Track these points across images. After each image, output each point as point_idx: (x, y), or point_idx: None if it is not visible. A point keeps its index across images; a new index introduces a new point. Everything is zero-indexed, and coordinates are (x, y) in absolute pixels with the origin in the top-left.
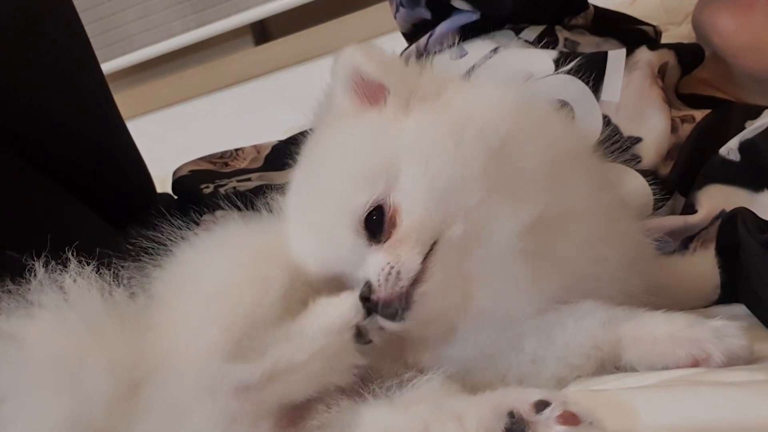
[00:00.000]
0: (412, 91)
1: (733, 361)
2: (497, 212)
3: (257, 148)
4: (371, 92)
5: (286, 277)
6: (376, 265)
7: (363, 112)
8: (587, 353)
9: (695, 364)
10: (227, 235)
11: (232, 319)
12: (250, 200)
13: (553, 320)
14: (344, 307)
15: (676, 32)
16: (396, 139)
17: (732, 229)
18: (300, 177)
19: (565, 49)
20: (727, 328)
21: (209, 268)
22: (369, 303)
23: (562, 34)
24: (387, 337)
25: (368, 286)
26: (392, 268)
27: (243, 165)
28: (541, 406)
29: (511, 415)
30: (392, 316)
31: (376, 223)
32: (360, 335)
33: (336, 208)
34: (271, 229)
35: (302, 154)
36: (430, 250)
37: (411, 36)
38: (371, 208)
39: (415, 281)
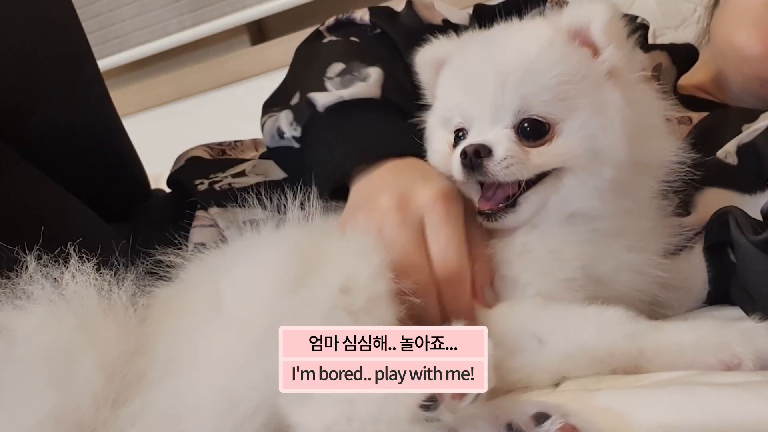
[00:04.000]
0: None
1: (764, 363)
2: None
3: (255, 144)
4: (585, 41)
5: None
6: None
7: (574, 44)
8: (600, 358)
9: (726, 369)
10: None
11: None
12: (244, 197)
13: (575, 317)
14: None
15: (674, 36)
16: (594, 89)
17: (722, 228)
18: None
19: None
20: (756, 329)
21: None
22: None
23: None
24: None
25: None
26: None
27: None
28: (541, 418)
29: (509, 427)
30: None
31: (536, 126)
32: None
33: (519, 96)
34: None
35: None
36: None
37: None
38: (541, 120)
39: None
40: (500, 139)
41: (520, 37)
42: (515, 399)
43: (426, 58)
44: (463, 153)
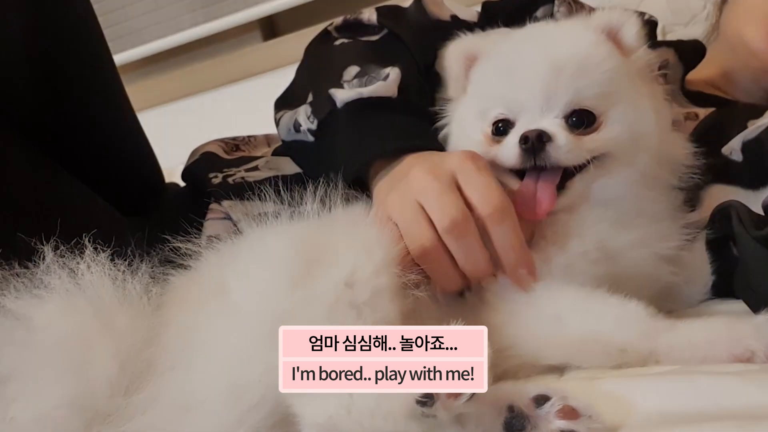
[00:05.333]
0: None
1: None
2: None
3: (268, 140)
4: (615, 41)
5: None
6: (562, 138)
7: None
8: (610, 352)
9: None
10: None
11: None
12: (257, 190)
13: (597, 303)
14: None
15: (683, 33)
16: (629, 84)
17: (724, 222)
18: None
19: None
20: None
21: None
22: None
23: None
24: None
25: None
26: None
27: (253, 155)
28: (541, 400)
29: (510, 409)
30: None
31: (583, 117)
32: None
33: (573, 89)
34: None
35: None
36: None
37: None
38: (586, 109)
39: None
40: (555, 126)
41: (568, 33)
42: (516, 383)
43: (457, 51)
44: (524, 138)
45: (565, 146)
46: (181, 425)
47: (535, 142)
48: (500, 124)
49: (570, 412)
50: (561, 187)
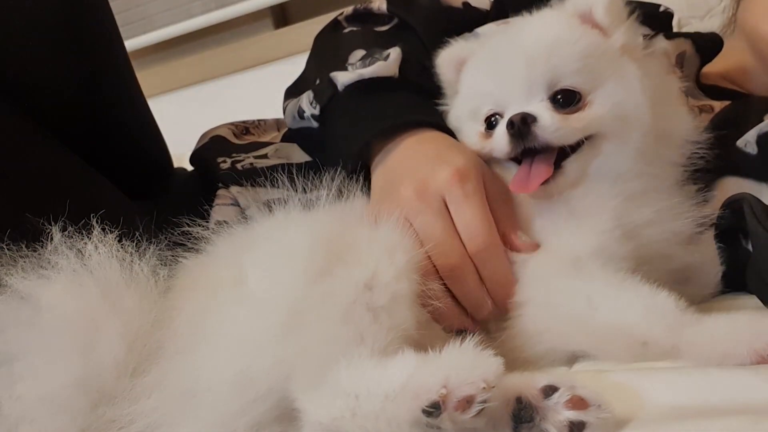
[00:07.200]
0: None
1: None
2: None
3: (278, 124)
4: (593, 23)
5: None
6: (547, 118)
7: (585, 26)
8: (632, 345)
9: (761, 360)
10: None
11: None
12: (266, 177)
13: (628, 290)
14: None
15: (699, 26)
16: (613, 63)
17: (735, 215)
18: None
19: None
20: None
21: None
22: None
23: None
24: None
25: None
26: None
27: (263, 139)
28: (549, 391)
29: (518, 400)
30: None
31: (568, 96)
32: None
33: (548, 69)
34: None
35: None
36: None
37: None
38: (570, 89)
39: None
40: (540, 109)
41: (539, 22)
42: (524, 374)
43: (447, 58)
44: (510, 123)
45: (551, 125)
46: (184, 411)
47: (521, 126)
48: (492, 119)
49: (579, 402)
50: (557, 168)
